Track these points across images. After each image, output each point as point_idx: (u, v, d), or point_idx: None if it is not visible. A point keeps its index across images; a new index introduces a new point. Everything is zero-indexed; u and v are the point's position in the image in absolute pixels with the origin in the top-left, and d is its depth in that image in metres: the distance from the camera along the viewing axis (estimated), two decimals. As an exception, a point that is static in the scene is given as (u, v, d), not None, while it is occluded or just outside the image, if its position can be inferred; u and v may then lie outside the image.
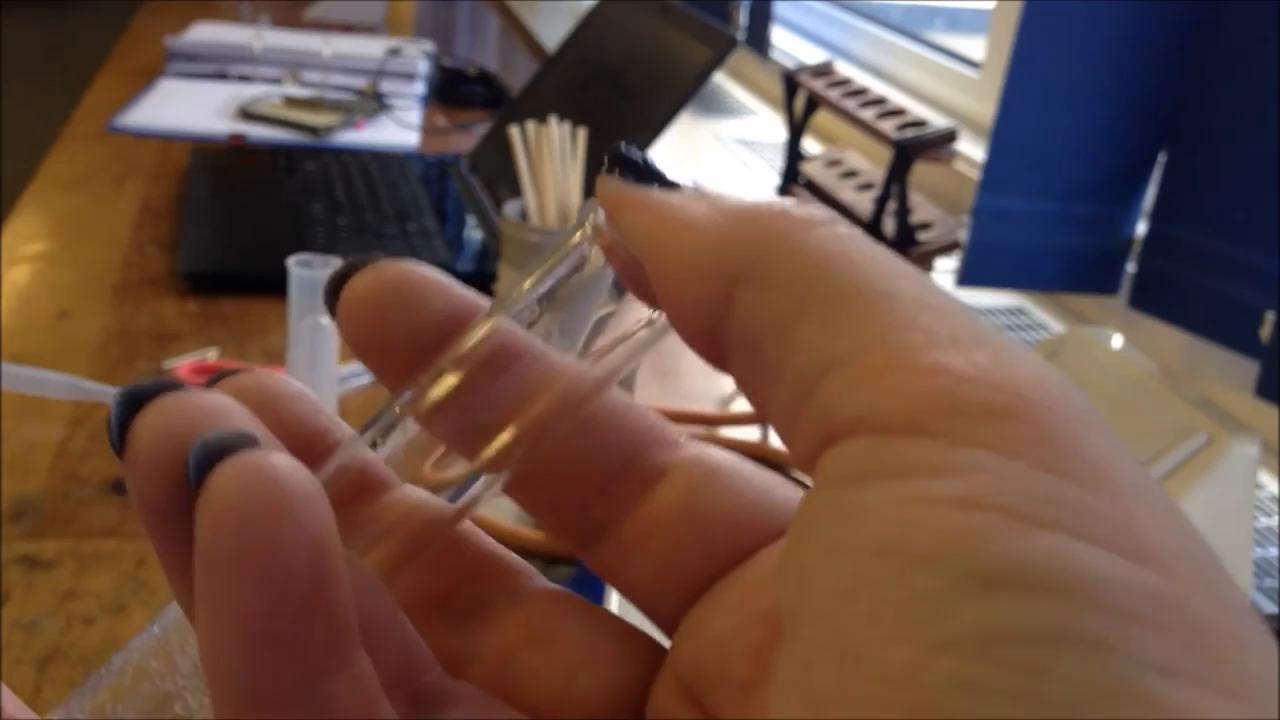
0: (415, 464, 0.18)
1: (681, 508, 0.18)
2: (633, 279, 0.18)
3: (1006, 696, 0.12)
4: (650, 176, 0.17)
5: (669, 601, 0.18)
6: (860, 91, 1.38)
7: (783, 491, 0.19)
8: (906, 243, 1.24)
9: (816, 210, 0.16)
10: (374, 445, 0.18)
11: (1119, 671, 0.12)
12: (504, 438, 0.18)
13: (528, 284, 0.18)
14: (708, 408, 0.95)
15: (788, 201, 0.16)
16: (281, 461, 0.15)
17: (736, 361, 0.16)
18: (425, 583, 0.19)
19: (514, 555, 0.20)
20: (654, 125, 1.15)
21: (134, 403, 0.16)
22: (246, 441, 0.15)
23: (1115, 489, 0.13)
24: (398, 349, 0.18)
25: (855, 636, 0.13)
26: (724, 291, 0.16)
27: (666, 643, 0.19)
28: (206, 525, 0.14)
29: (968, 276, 1.02)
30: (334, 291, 0.19)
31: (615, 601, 0.57)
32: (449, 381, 0.17)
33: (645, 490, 0.19)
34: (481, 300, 0.19)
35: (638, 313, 0.18)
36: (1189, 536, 0.13)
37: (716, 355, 0.16)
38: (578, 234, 0.18)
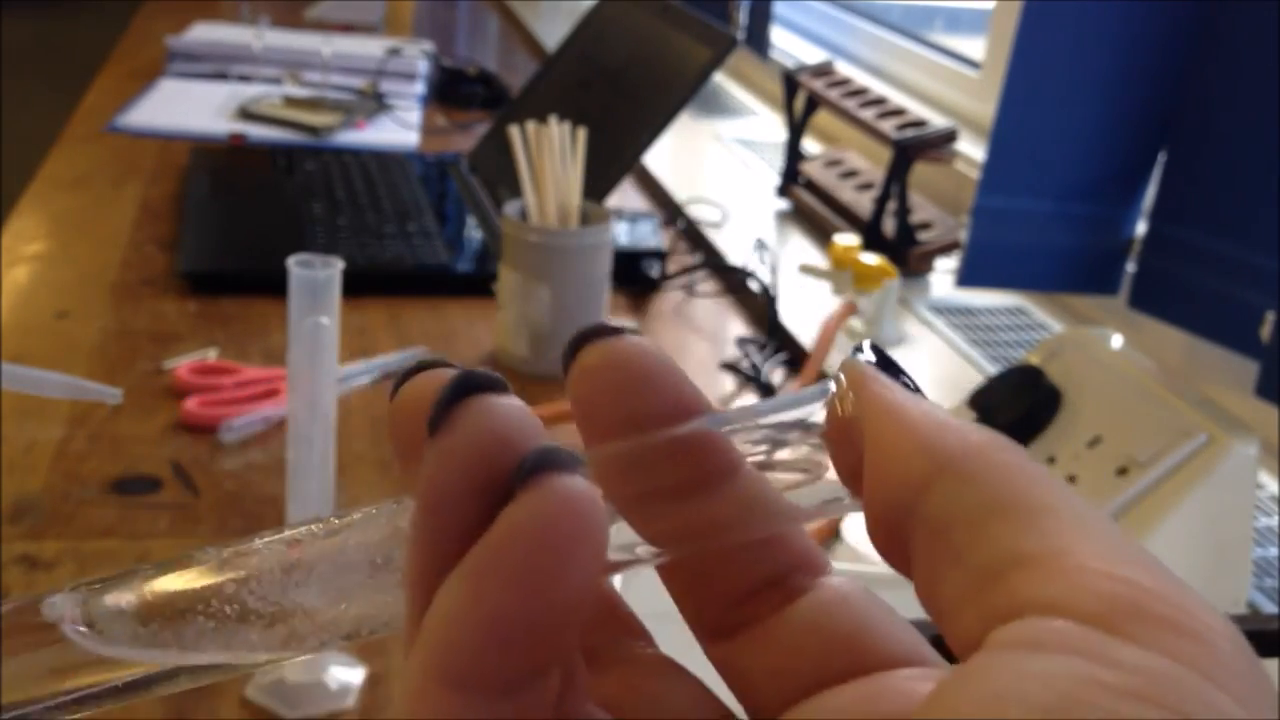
0: None
1: (811, 621, 0.20)
2: (841, 454, 0.20)
3: None
4: (893, 370, 0.20)
5: (775, 702, 0.20)
6: (860, 91, 1.38)
7: (903, 620, 0.20)
8: (906, 243, 1.24)
9: (1009, 440, 0.18)
10: None
11: None
12: (680, 525, 0.19)
13: (753, 409, 0.20)
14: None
15: (987, 429, 0.19)
16: (587, 494, 0.17)
17: (918, 541, 0.18)
18: None
19: (636, 618, 0.22)
20: (654, 125, 1.15)
21: (466, 389, 0.17)
22: (570, 462, 0.17)
23: (1261, 709, 0.15)
24: (617, 429, 0.20)
25: None
26: (925, 475, 0.18)
27: None
28: (506, 531, 0.16)
29: (967, 276, 1.02)
30: (572, 352, 0.20)
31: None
32: (638, 446, 0.19)
33: (784, 603, 0.21)
34: (702, 395, 0.20)
35: (829, 478, 0.20)
36: None
37: (890, 538, 0.18)
38: (819, 391, 0.20)
